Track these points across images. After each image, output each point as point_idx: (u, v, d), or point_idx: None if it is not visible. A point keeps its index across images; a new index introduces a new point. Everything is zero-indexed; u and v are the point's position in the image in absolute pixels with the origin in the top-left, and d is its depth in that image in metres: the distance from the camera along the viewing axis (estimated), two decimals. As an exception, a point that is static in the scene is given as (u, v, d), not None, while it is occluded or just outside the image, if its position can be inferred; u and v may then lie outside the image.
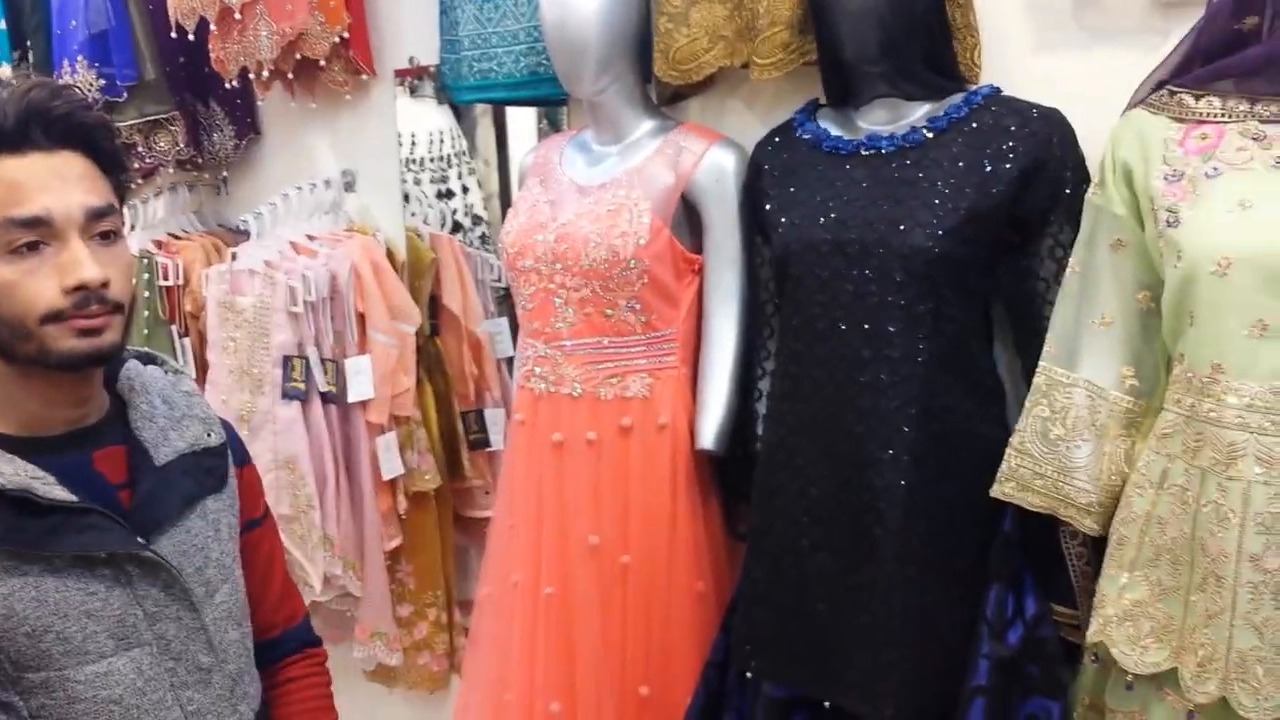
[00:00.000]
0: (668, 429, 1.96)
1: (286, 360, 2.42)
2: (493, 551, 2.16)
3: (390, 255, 2.55)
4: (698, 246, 1.98)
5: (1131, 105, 1.53)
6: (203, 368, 2.63)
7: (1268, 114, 1.40)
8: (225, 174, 2.97)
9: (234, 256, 2.55)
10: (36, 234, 1.14)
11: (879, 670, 1.63)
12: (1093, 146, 1.61)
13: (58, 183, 1.15)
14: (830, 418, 1.68)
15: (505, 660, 2.07)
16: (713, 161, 1.93)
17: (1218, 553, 1.36)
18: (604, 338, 1.97)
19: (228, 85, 2.71)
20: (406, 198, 2.61)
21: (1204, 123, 1.43)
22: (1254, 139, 1.40)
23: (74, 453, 1.23)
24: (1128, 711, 1.53)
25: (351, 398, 2.44)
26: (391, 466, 2.45)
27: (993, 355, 1.68)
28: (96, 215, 1.18)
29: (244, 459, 1.44)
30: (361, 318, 2.46)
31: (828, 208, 1.70)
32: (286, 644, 1.50)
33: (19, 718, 1.16)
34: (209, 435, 1.35)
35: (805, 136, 1.80)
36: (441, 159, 2.68)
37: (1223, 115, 1.42)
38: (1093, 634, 1.52)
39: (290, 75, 2.60)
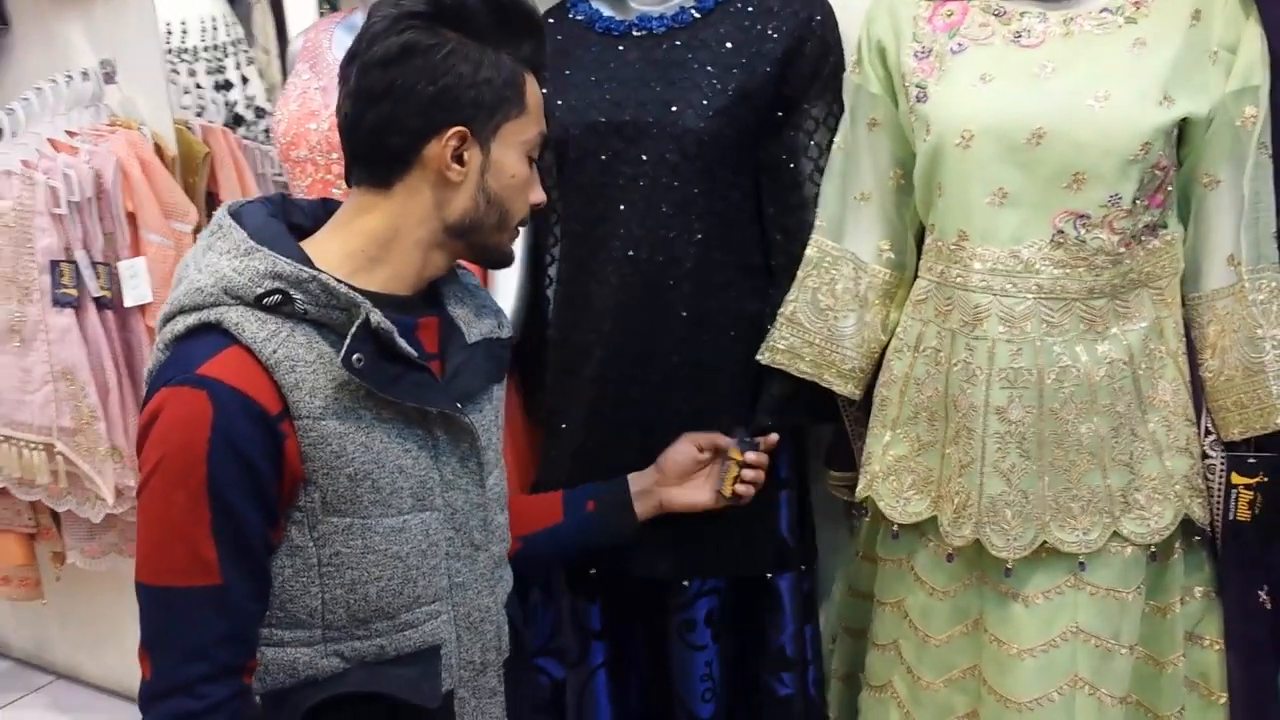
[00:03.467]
0: (460, 319, 1.95)
1: (54, 265, 2.29)
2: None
3: (159, 150, 2.41)
4: (480, 133, 1.95)
5: (884, -17, 1.57)
6: (-36, 277, 2.45)
7: (1008, -10, 1.46)
8: (-30, 68, 2.74)
9: (-13, 158, 2.38)
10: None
11: (666, 537, 1.69)
12: (854, 27, 1.65)
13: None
14: (611, 298, 1.71)
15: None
16: (489, 44, 1.89)
17: (968, 407, 1.47)
18: (388, 229, 1.93)
19: (-37, -30, 2.48)
20: (176, 93, 2.47)
21: (950, 0, 1.49)
22: (995, 15, 1.46)
23: (403, 317, 1.26)
24: (896, 559, 1.65)
25: (129, 302, 2.33)
26: (177, 371, 2.36)
27: (760, 231, 1.73)
28: None
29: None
30: (132, 217, 2.33)
31: (602, 89, 1.70)
32: None
33: (304, 563, 1.22)
34: (500, 327, 1.42)
35: (578, 18, 1.78)
36: (216, 48, 2.55)
37: (967, -8, 1.48)
38: (861, 489, 1.62)
39: (33, -43, 2.41)
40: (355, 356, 1.17)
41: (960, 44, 1.47)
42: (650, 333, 1.70)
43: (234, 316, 1.18)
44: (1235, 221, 1.42)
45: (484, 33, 1.24)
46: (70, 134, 2.39)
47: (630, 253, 1.69)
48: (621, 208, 1.69)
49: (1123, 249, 1.41)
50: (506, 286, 1.94)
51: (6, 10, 2.68)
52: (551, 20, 1.84)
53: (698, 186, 1.65)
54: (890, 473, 1.58)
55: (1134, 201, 1.39)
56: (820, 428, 1.86)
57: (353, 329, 1.17)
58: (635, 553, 1.72)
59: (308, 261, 1.21)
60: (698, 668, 1.77)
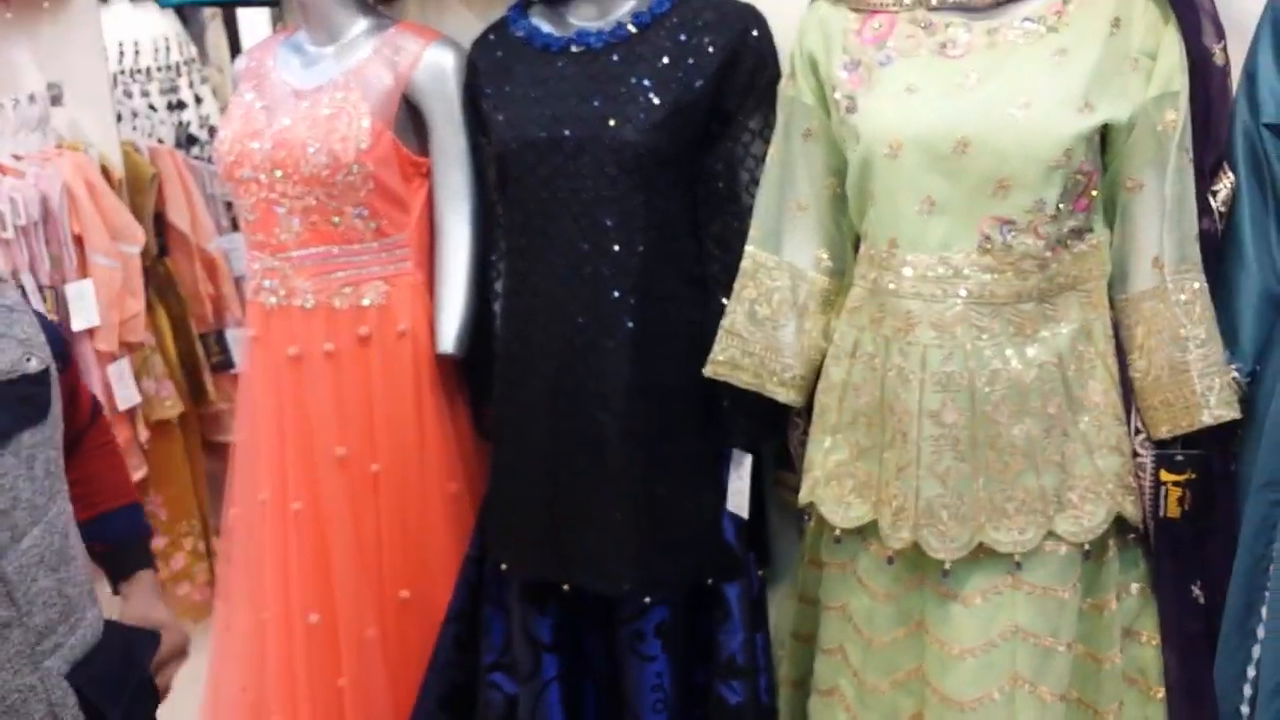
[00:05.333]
0: (407, 335, 1.96)
1: None
2: (238, 471, 2.12)
3: (106, 173, 2.41)
4: (424, 149, 1.96)
5: (815, -4, 1.60)
6: (-95, 304, 2.44)
7: (933, 2, 1.49)
8: (-87, 92, 2.72)
9: (-71, 182, 2.36)
10: None
11: (610, 549, 1.71)
12: (789, 40, 1.68)
13: None
14: (556, 311, 1.72)
15: (259, 579, 2.05)
16: (431, 61, 1.90)
17: (903, 411, 1.49)
18: (333, 246, 1.94)
19: (-97, -7, 2.47)
20: (128, 114, 2.47)
21: (878, 13, 1.52)
22: (922, 27, 1.49)
23: None
24: (839, 563, 1.67)
25: (76, 326, 2.32)
26: (126, 395, 2.36)
27: (699, 242, 1.75)
28: None
29: (66, 364, 1.34)
30: (79, 240, 2.33)
31: (541, 105, 1.72)
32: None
33: None
34: (28, 360, 1.23)
35: (519, 34, 1.80)
36: (169, 68, 2.55)
37: (894, 5, 1.51)
38: (803, 495, 1.64)
39: (-24, -19, 2.40)
40: None
41: (888, 56, 1.49)
42: (597, 345, 1.71)
43: None
44: (1159, 224, 1.45)
45: None
46: (16, 157, 2.39)
47: (574, 266, 1.70)
48: (564, 221, 1.70)
49: (1049, 253, 1.44)
50: (452, 301, 1.95)
51: (-50, 34, 2.67)
52: (492, 36, 1.86)
53: (638, 199, 1.67)
54: (831, 478, 1.60)
55: (1058, 207, 1.42)
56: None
57: None
58: (586, 567, 1.74)
59: None
60: (648, 678, 1.78)
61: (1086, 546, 1.49)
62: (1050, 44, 1.43)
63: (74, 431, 1.40)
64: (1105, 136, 1.45)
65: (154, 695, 1.48)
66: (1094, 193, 1.46)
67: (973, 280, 1.44)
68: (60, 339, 1.34)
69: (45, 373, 1.27)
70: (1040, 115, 1.39)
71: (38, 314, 1.30)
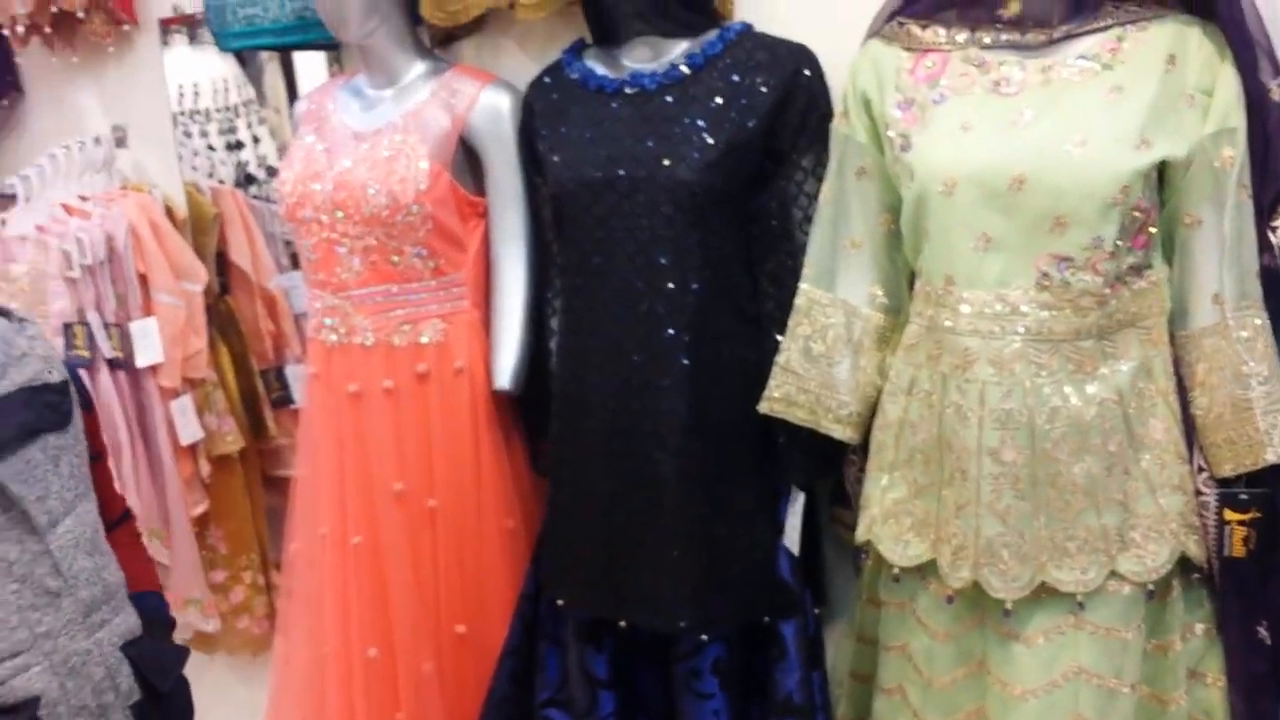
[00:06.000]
0: (464, 372, 1.99)
1: (67, 328, 2.32)
2: (298, 506, 2.15)
3: (170, 212, 2.47)
4: (481, 189, 2.00)
5: (868, 36, 1.61)
6: (-23, 342, 2.51)
7: (987, 41, 1.50)
8: (-14, 136, 2.81)
9: (2, 223, 2.43)
10: None
11: (667, 586, 1.71)
12: (842, 79, 1.69)
13: None
14: (612, 350, 1.74)
15: (319, 613, 2.08)
16: (487, 103, 1.94)
17: (961, 449, 1.49)
18: (392, 285, 1.97)
19: (-20, 41, 2.57)
20: (188, 154, 2.53)
21: (930, 51, 1.53)
22: (975, 65, 1.50)
23: None
24: (898, 602, 1.66)
25: (140, 363, 2.36)
26: (189, 431, 2.40)
27: (753, 280, 1.76)
28: None
29: (88, 403, 1.54)
30: (144, 279, 2.38)
31: (597, 145, 1.74)
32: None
33: None
34: (50, 372, 1.42)
35: (574, 76, 1.83)
36: (228, 109, 2.60)
37: (947, 44, 1.52)
38: (861, 533, 1.64)
39: (48, 29, 2.48)
40: None
41: (942, 94, 1.50)
42: (652, 384, 1.72)
43: None
44: (1218, 260, 1.44)
45: None
46: (83, 198, 2.44)
47: (629, 304, 1.72)
48: (619, 260, 1.72)
49: (1108, 290, 1.43)
50: (509, 338, 1.97)
51: (20, 77, 2.75)
52: (547, 79, 1.89)
53: (693, 238, 1.69)
54: (889, 516, 1.60)
55: (1116, 244, 1.41)
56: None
57: None
58: (643, 604, 1.74)
59: None
60: (704, 716, 1.78)
61: (1150, 586, 1.48)
62: (1105, 81, 1.43)
63: (108, 521, 1.54)
64: (1163, 173, 1.44)
65: (189, 695, 1.60)
66: (1152, 229, 1.46)
67: (1031, 317, 1.43)
68: (81, 384, 1.52)
69: (65, 384, 1.44)
70: (1097, 152, 1.39)
71: (67, 365, 1.49)
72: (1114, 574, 1.47)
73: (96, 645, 1.40)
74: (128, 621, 1.47)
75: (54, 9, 2.40)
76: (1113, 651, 1.47)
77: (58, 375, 1.44)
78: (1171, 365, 1.50)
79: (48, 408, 1.40)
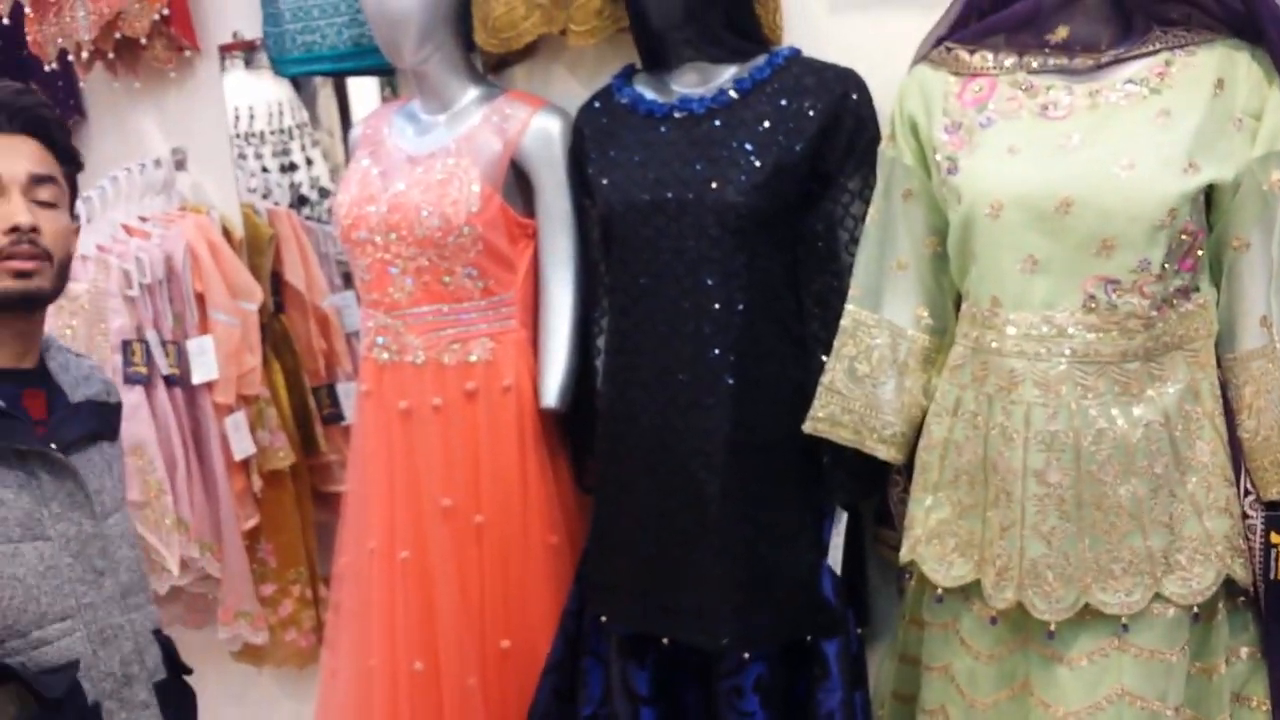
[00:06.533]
0: (512, 390, 2.02)
1: (126, 345, 2.39)
2: (348, 521, 2.19)
3: (227, 233, 2.53)
4: (530, 211, 2.04)
5: (915, 61, 1.63)
6: (40, 358, 2.57)
7: (1034, 65, 1.52)
8: (51, 158, 2.89)
9: (64, 243, 2.50)
10: None
11: (709, 603, 1.73)
12: (889, 103, 1.71)
13: (9, 154, 1.48)
14: (658, 369, 1.76)
15: (366, 626, 2.11)
16: (538, 128, 1.98)
17: (1006, 470, 1.49)
18: (443, 305, 2.01)
19: (48, 68, 2.64)
20: (243, 176, 2.59)
21: (978, 76, 1.55)
22: (1023, 89, 1.52)
23: (8, 385, 1.49)
24: (942, 623, 1.66)
25: (196, 379, 2.42)
26: (242, 446, 2.45)
27: (799, 301, 1.78)
28: (38, 180, 1.49)
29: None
30: (200, 298, 2.44)
31: (645, 168, 1.78)
32: None
33: None
34: (108, 394, 1.64)
35: (623, 101, 1.87)
36: (282, 131, 2.65)
37: (994, 68, 1.54)
38: (904, 554, 1.64)
39: (111, 55, 2.55)
40: None
41: (989, 118, 1.52)
42: (697, 403, 1.74)
43: None
44: (1266, 283, 1.45)
45: None
46: (143, 219, 2.51)
47: (675, 324, 1.74)
48: (666, 281, 1.75)
49: (1154, 312, 1.44)
50: (556, 357, 2.01)
51: (84, 102, 2.84)
52: (597, 104, 1.93)
53: (740, 259, 1.71)
54: (933, 536, 1.60)
55: (1163, 266, 1.42)
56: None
57: None
58: (685, 621, 1.76)
59: None
60: (746, 734, 1.78)
61: (1195, 609, 1.47)
62: (1153, 105, 1.44)
63: None
64: (1210, 196, 1.45)
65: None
66: (1200, 252, 1.46)
67: (1077, 339, 1.44)
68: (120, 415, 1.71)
69: (119, 407, 1.67)
70: (1144, 175, 1.40)
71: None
72: (1159, 596, 1.47)
73: (129, 623, 1.56)
74: (153, 613, 1.64)
75: (117, 35, 2.47)
76: (1156, 674, 1.46)
77: (113, 398, 1.65)
78: (1219, 388, 1.50)
79: (104, 421, 1.61)
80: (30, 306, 1.50)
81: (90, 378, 1.62)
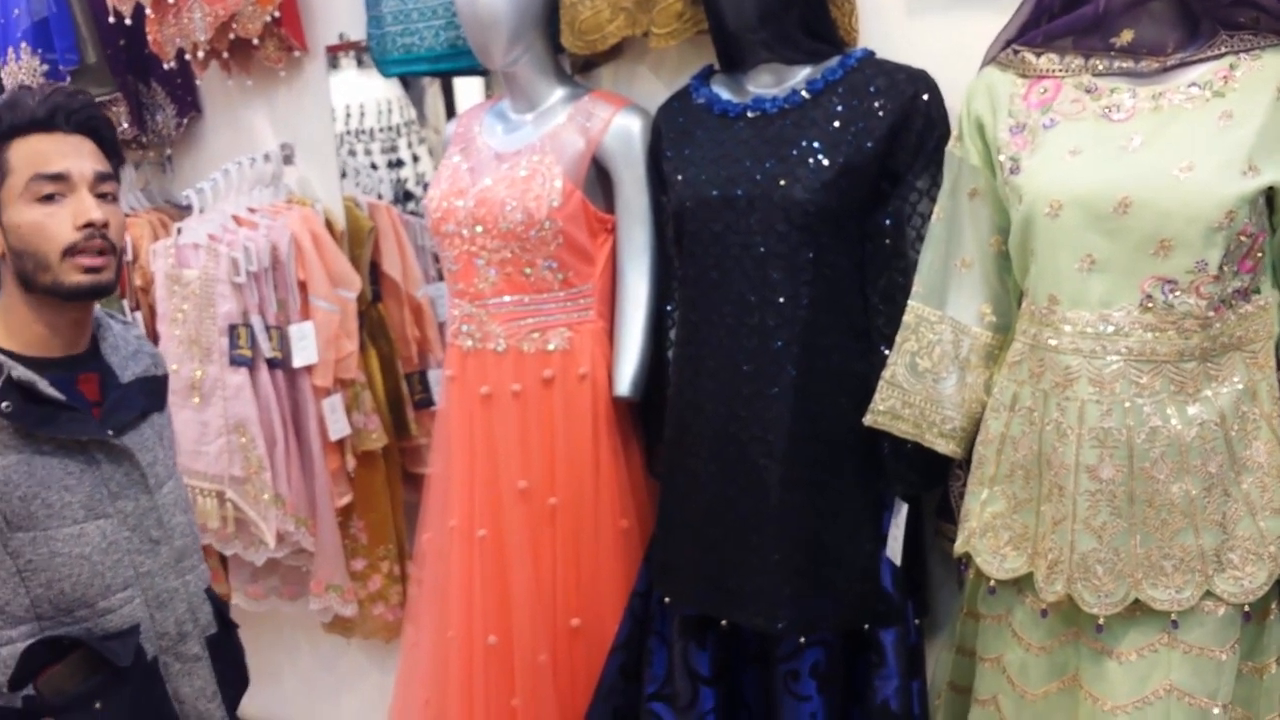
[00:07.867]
0: (588, 379, 2.10)
1: (232, 329, 2.52)
2: (431, 499, 2.29)
3: (330, 225, 2.65)
4: (610, 206, 2.11)
5: (984, 63, 1.66)
6: (154, 339, 2.73)
7: (1099, 68, 1.54)
8: (169, 151, 3.06)
9: (179, 231, 2.64)
10: (57, 187, 1.54)
11: (768, 588, 1.78)
12: (961, 104, 1.74)
13: (74, 153, 1.56)
14: (724, 359, 1.82)
15: (445, 600, 2.21)
16: (619, 126, 2.05)
17: (1059, 466, 1.52)
18: (525, 295, 2.10)
19: (166, 66, 2.80)
20: (346, 171, 2.71)
21: (1044, 78, 1.57)
22: (1086, 91, 1.54)
23: (64, 372, 1.59)
24: (995, 615, 1.69)
25: (297, 363, 2.54)
26: (338, 427, 2.57)
27: (864, 296, 1.82)
28: (101, 178, 1.58)
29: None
30: (303, 286, 2.56)
31: (718, 166, 1.84)
32: None
33: (6, 573, 1.53)
34: (155, 367, 1.74)
35: (700, 101, 1.93)
36: (391, 129, 2.75)
37: (1060, 70, 1.56)
38: (959, 546, 1.68)
39: (225, 54, 2.70)
40: (4, 404, 1.49)
41: (1053, 119, 1.54)
42: (761, 393, 1.80)
43: None
44: (1327, 287, 1.45)
45: None
46: (251, 210, 2.65)
47: (742, 317, 1.80)
48: (735, 275, 1.81)
49: (1211, 313, 1.45)
50: (630, 347, 2.08)
51: (200, 99, 3.00)
52: (675, 103, 2.00)
53: (806, 254, 1.76)
54: (987, 529, 1.63)
55: (1221, 267, 1.43)
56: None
57: None
58: (745, 604, 1.81)
59: None
60: (801, 718, 1.83)
61: (1247, 608, 1.48)
62: (1216, 108, 1.45)
63: None
64: (1272, 200, 1.45)
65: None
66: (1260, 255, 1.47)
67: (1134, 338, 1.46)
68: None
69: (166, 377, 1.77)
70: (1203, 177, 1.41)
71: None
72: (1210, 594, 1.47)
73: (184, 585, 1.68)
74: (205, 573, 1.77)
75: (231, 36, 2.60)
76: (1206, 671, 1.47)
77: (160, 370, 1.76)
78: (1277, 390, 1.50)
79: (153, 395, 1.72)
80: (97, 299, 1.60)
81: (139, 353, 1.71)
